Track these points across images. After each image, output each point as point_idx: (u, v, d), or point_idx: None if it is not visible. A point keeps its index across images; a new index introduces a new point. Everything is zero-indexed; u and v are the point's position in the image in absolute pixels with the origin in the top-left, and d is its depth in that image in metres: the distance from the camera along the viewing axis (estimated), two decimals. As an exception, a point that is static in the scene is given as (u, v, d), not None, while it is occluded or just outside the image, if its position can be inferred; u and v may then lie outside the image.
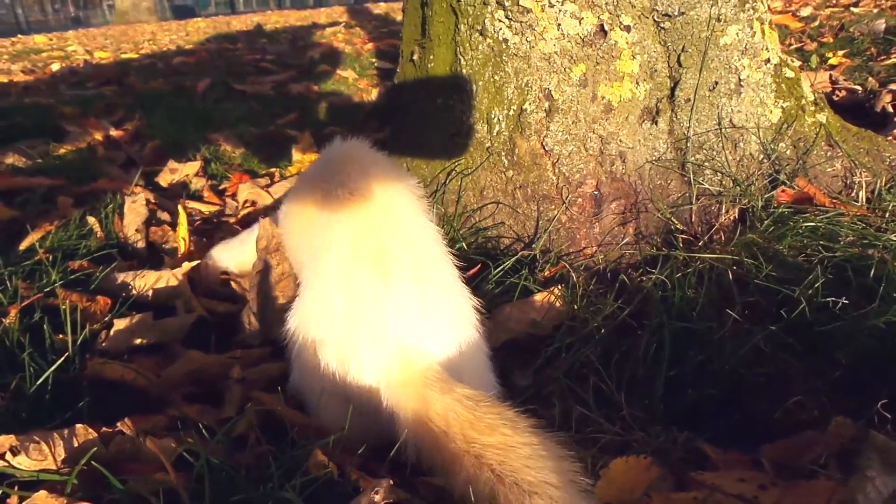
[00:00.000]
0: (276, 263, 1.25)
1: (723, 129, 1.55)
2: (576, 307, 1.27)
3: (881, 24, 3.62)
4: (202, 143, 2.68)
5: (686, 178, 1.55)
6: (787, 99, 1.64)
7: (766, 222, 1.44)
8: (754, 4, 1.55)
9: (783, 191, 1.57)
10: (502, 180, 1.48)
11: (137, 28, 12.97)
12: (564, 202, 1.41)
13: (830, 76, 2.91)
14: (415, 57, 1.75)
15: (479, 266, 1.40)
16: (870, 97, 2.56)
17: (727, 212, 1.53)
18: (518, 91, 1.41)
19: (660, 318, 1.16)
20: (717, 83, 1.52)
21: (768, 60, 1.59)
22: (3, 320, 1.17)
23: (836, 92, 2.76)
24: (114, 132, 2.73)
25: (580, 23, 1.36)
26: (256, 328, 1.23)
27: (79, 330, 1.14)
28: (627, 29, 1.41)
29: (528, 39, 1.38)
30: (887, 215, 1.48)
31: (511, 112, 1.43)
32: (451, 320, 0.95)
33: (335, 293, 0.93)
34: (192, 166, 2.28)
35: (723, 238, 1.44)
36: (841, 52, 3.44)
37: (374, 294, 0.91)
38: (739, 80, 1.55)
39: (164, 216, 1.93)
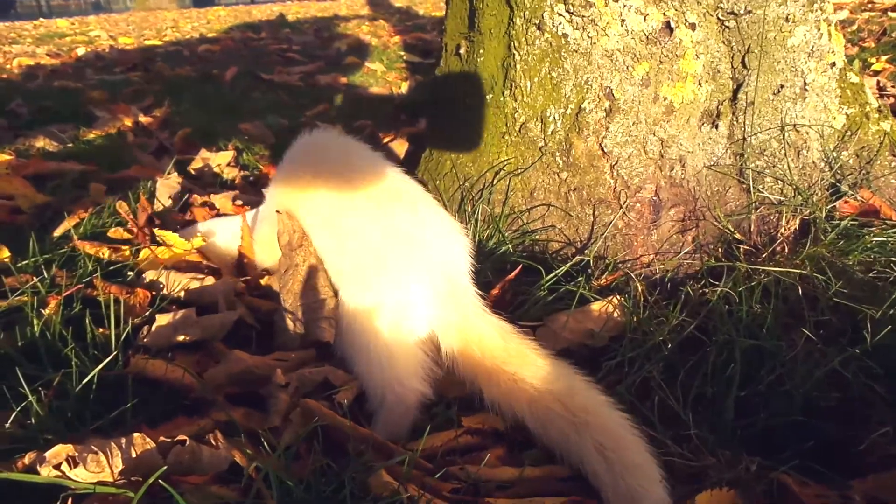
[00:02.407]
0: (302, 260, 1.19)
1: (786, 136, 1.48)
2: (636, 318, 1.21)
3: (926, 31, 3.51)
4: (232, 132, 2.64)
5: (744, 186, 1.49)
6: (851, 105, 1.57)
7: (830, 235, 1.37)
8: (822, 5, 1.48)
9: (846, 202, 1.50)
10: (555, 182, 1.42)
11: (158, 15, 12.99)
12: (622, 207, 1.35)
13: (878, 82, 2.82)
14: (461, 51, 1.69)
15: (520, 268, 1.34)
16: (921, 105, 2.47)
17: (787, 222, 1.46)
18: (577, 89, 1.35)
19: (728, 333, 1.10)
20: (782, 86, 1.45)
21: (834, 64, 1.52)
22: (43, 311, 1.13)
23: (884, 97, 2.67)
24: (143, 118, 2.69)
25: (645, 19, 1.30)
26: (295, 330, 1.18)
27: (121, 324, 1.10)
28: (692, 27, 1.35)
29: (590, 35, 1.32)
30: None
31: (568, 111, 1.37)
32: (465, 252, 1.14)
33: (375, 247, 1.08)
34: (225, 156, 2.24)
35: (786, 250, 1.37)
36: (884, 58, 3.35)
37: (410, 233, 1.09)
38: (805, 83, 1.48)
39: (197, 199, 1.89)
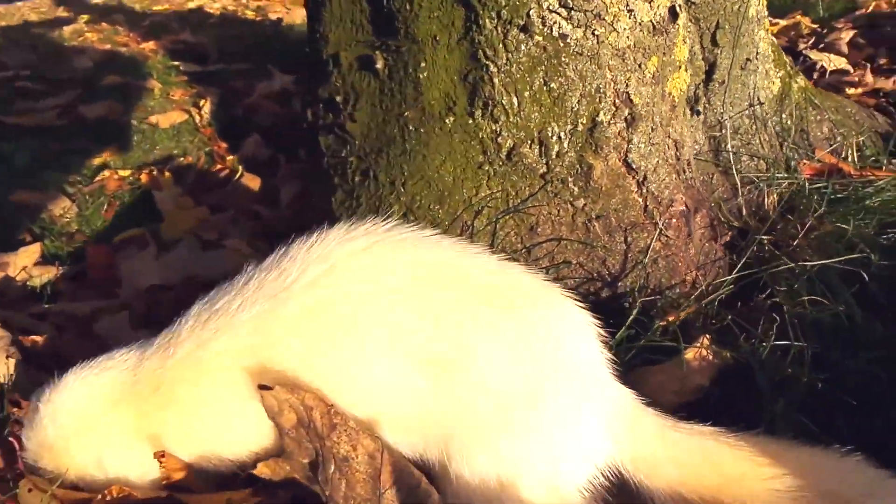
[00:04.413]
0: (351, 447, 0.79)
1: (753, 109, 1.41)
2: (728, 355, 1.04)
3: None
4: (8, 212, 1.91)
5: (721, 169, 1.40)
6: (781, 68, 1.56)
7: (819, 204, 1.34)
8: (756, -31, 1.42)
9: (804, 164, 1.49)
10: (567, 212, 1.18)
11: None
12: (659, 227, 1.16)
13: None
14: (377, 65, 1.33)
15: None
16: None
17: (769, 198, 1.41)
18: (587, 99, 1.11)
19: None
20: (748, 60, 1.37)
21: (767, 29, 1.49)
22: None
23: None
24: None
25: (651, 5, 1.10)
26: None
27: None
28: (682, 8, 1.18)
29: (597, 33, 1.08)
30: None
31: (580, 127, 1.13)
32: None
33: (521, 375, 0.78)
34: (29, 252, 1.58)
35: (799, 231, 1.31)
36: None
37: (555, 342, 0.81)
38: (757, 53, 1.42)
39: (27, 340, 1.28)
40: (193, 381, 0.84)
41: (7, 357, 1.08)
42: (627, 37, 1.09)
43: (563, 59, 1.10)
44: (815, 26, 2.98)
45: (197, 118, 2.77)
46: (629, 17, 1.08)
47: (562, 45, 1.09)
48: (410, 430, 0.79)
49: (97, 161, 2.37)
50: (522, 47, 1.11)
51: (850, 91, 2.05)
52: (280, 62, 3.42)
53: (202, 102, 2.84)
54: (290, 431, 0.77)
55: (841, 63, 2.33)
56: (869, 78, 2.11)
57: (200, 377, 0.83)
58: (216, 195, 2.02)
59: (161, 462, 0.81)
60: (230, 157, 2.42)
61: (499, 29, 1.11)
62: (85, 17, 6.55)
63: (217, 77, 3.30)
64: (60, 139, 2.57)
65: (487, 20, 1.12)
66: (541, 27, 1.09)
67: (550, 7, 1.07)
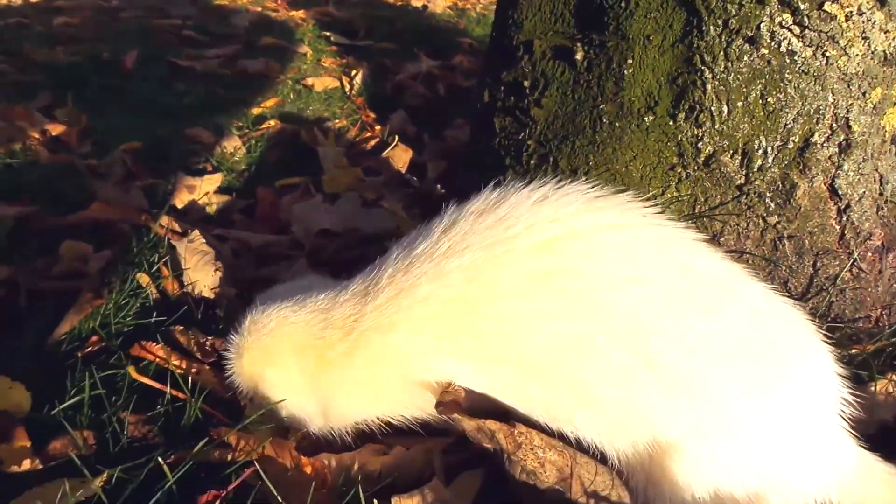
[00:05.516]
0: (537, 464, 0.78)
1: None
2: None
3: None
4: (183, 143, 2.06)
5: (907, 214, 1.36)
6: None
7: None
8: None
9: None
10: (756, 226, 1.18)
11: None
12: (854, 257, 1.15)
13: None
14: (576, 56, 1.37)
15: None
16: None
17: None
18: (804, 118, 1.11)
19: None
20: (959, 107, 1.32)
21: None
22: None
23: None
24: (51, 127, 2.01)
25: (886, 35, 1.09)
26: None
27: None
28: (910, 43, 1.16)
29: (827, 55, 1.08)
30: None
31: (790, 144, 1.13)
32: None
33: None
34: (213, 180, 1.71)
35: None
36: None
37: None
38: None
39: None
40: (389, 328, 0.78)
41: (214, 270, 1.18)
42: (858, 63, 1.08)
43: (786, 75, 1.10)
44: None
45: (347, 87, 2.89)
46: (863, 44, 1.08)
47: (787, 61, 1.09)
48: (617, 429, 0.76)
49: (256, 111, 2.52)
50: (745, 58, 1.12)
51: None
52: (424, 47, 3.51)
53: (354, 72, 2.96)
54: (471, 433, 0.79)
55: None
56: None
57: (399, 324, 0.77)
58: (369, 160, 2.11)
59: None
60: (378, 128, 2.52)
61: (722, 37, 1.13)
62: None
63: (364, 52, 3.43)
64: (224, 87, 2.76)
65: (712, 27, 1.13)
66: (769, 41, 1.09)
67: (784, 23, 1.08)
